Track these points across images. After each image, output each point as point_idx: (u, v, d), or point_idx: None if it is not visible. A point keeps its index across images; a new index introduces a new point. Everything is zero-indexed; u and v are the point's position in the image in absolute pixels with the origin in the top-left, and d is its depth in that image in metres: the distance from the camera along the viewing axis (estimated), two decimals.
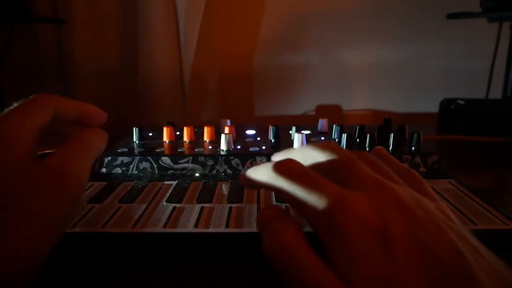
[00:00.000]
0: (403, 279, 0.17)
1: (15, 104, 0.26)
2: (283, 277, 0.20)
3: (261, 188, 0.29)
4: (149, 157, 0.44)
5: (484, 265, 0.18)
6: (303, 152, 0.27)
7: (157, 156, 0.44)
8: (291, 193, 0.22)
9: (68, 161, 0.25)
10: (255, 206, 0.34)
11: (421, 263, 0.18)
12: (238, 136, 0.53)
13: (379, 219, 0.19)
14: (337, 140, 0.51)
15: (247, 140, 0.51)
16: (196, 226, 0.30)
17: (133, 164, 0.44)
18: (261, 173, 0.26)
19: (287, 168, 0.24)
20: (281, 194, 0.24)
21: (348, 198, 0.20)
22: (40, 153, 0.28)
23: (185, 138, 0.50)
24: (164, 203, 0.35)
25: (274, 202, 0.35)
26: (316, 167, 0.25)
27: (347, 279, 0.18)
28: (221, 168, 0.44)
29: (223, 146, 0.46)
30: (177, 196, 0.36)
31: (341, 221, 0.19)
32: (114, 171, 0.44)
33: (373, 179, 0.22)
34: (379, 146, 0.31)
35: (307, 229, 0.21)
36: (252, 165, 0.44)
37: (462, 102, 0.76)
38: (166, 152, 0.45)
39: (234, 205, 0.35)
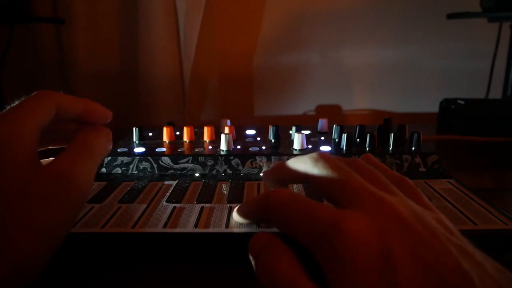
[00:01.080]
0: None
1: (16, 102, 0.25)
2: None
3: (254, 222, 0.29)
4: (149, 157, 0.44)
5: (488, 281, 0.17)
6: (295, 165, 0.27)
7: (157, 156, 0.44)
8: (284, 222, 0.22)
9: (72, 167, 0.24)
10: None
11: (424, 284, 0.17)
12: (238, 136, 0.53)
13: (380, 240, 0.18)
14: (337, 140, 0.51)
15: (247, 140, 0.51)
16: (196, 226, 0.30)
17: (133, 164, 0.44)
18: (251, 207, 0.26)
19: (276, 200, 0.23)
20: (274, 225, 0.23)
21: (345, 220, 0.19)
22: (39, 150, 0.28)
23: (185, 138, 0.50)
24: (164, 203, 0.35)
25: None
26: (310, 183, 0.25)
27: None
28: (221, 168, 0.44)
29: (223, 146, 0.46)
30: (177, 196, 0.36)
31: (339, 244, 0.18)
32: (114, 171, 0.44)
33: (371, 195, 0.21)
34: (367, 153, 0.30)
35: None
36: (252, 165, 0.44)
37: (462, 102, 0.76)
38: (166, 152, 0.45)
39: (234, 205, 0.34)
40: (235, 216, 0.30)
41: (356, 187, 0.22)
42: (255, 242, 0.23)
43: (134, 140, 0.51)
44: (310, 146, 0.47)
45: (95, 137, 0.27)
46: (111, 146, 0.28)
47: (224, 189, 0.39)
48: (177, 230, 0.30)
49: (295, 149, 0.46)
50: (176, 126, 0.56)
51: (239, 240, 0.29)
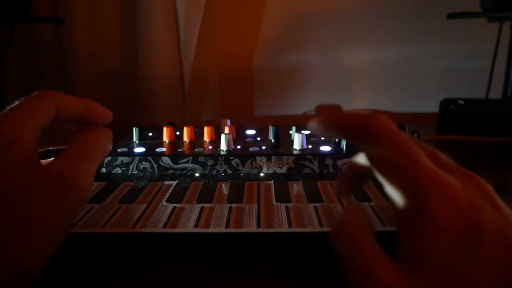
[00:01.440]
0: (482, 278, 0.16)
1: (16, 102, 0.25)
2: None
3: (333, 137, 0.26)
4: (149, 157, 0.44)
5: None
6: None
7: (157, 156, 0.44)
8: (379, 150, 0.21)
9: (72, 167, 0.24)
10: (255, 206, 0.34)
11: (505, 263, 0.17)
12: (238, 136, 0.53)
13: (473, 210, 0.18)
14: (337, 140, 0.51)
15: (247, 140, 0.51)
16: (196, 226, 0.30)
17: (133, 164, 0.44)
18: (347, 120, 0.23)
19: (382, 125, 0.21)
20: (364, 148, 0.22)
21: (444, 180, 0.19)
22: (40, 150, 0.28)
23: (185, 138, 0.50)
24: (164, 203, 0.35)
25: (274, 202, 0.35)
26: None
27: (417, 265, 0.17)
28: (221, 168, 0.44)
29: (223, 146, 0.46)
30: (177, 196, 0.36)
31: (434, 199, 0.18)
32: (114, 171, 0.44)
33: (460, 168, 0.21)
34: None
35: None
36: (252, 165, 0.44)
37: (462, 102, 0.76)
38: (166, 152, 0.45)
39: (234, 205, 0.35)
40: (316, 123, 0.26)
41: (446, 159, 0.22)
42: (338, 235, 0.22)
43: (134, 140, 0.51)
44: (310, 146, 0.47)
45: (95, 137, 0.27)
46: (111, 147, 0.28)
47: (224, 189, 0.39)
48: (177, 230, 0.30)
49: (295, 149, 0.46)
50: (176, 126, 0.56)
51: (239, 240, 0.30)
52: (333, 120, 0.25)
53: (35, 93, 0.25)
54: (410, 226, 0.19)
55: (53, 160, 0.24)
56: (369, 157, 0.22)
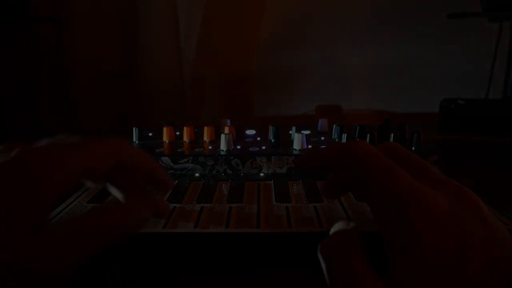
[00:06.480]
0: None
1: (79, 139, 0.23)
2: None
3: (319, 166, 0.28)
4: None
5: None
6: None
7: (157, 156, 0.44)
8: (362, 174, 0.21)
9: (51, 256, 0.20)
10: (255, 206, 0.34)
11: (491, 279, 0.16)
12: (238, 136, 0.53)
13: (458, 225, 0.18)
14: (337, 140, 0.51)
15: (247, 140, 0.51)
16: (196, 226, 0.30)
17: None
18: (329, 150, 0.24)
19: (363, 149, 0.22)
20: (349, 174, 0.22)
21: (426, 195, 0.18)
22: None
23: (185, 138, 0.50)
24: None
25: (274, 202, 0.35)
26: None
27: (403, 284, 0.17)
28: (221, 168, 0.44)
29: (223, 146, 0.46)
30: (177, 196, 0.36)
31: (417, 217, 0.18)
32: None
33: (451, 182, 0.21)
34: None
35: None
36: (252, 165, 0.44)
37: (462, 102, 0.76)
38: (166, 152, 0.45)
39: (234, 205, 0.35)
40: (302, 161, 0.27)
41: (434, 171, 0.22)
42: (327, 248, 0.21)
43: (134, 140, 0.51)
44: (310, 146, 0.47)
45: (112, 216, 0.23)
46: (142, 220, 0.25)
47: (224, 189, 0.39)
48: (177, 230, 0.30)
49: (295, 149, 0.46)
50: (176, 126, 0.56)
51: (239, 240, 0.30)
52: (315, 153, 0.26)
53: (106, 139, 0.24)
54: (394, 245, 0.19)
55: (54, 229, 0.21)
56: (353, 182, 0.22)
